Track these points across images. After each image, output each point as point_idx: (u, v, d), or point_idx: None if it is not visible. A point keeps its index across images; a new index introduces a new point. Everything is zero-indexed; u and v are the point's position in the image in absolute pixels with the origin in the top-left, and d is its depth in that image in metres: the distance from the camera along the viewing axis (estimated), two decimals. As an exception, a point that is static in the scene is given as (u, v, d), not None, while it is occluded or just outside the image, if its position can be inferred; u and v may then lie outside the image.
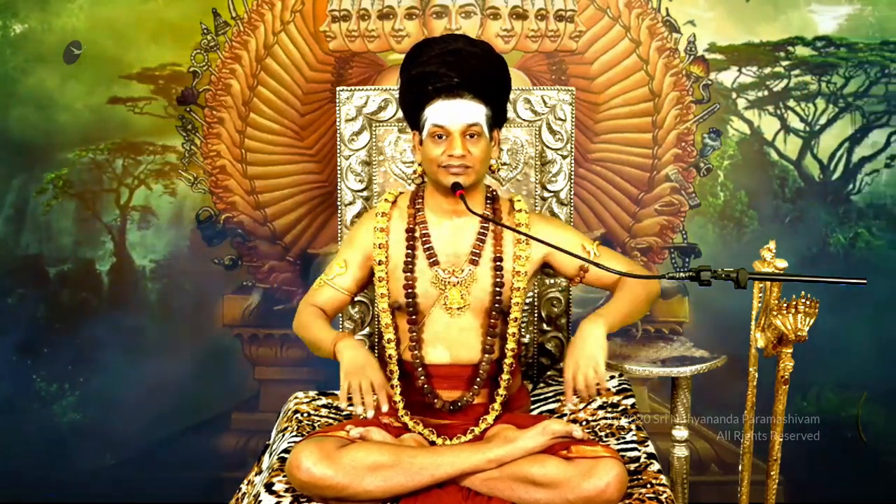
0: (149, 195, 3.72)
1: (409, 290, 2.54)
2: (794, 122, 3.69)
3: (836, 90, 3.67)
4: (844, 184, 3.70)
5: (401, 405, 2.56)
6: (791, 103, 3.68)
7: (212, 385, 3.77)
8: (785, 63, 3.65)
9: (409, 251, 2.54)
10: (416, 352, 2.55)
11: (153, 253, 3.74)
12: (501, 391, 2.55)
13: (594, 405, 2.72)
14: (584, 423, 2.66)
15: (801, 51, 3.64)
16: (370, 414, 2.32)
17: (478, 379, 2.55)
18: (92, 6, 3.64)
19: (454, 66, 2.40)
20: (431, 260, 2.54)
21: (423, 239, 2.55)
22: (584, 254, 2.53)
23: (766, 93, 3.68)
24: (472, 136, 2.43)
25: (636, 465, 2.48)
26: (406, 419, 2.55)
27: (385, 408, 2.33)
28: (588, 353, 2.32)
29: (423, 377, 2.55)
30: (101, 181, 3.71)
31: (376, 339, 3.03)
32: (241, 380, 3.79)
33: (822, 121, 3.68)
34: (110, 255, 3.74)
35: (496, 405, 2.54)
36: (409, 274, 2.54)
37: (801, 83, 3.67)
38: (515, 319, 2.55)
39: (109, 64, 3.63)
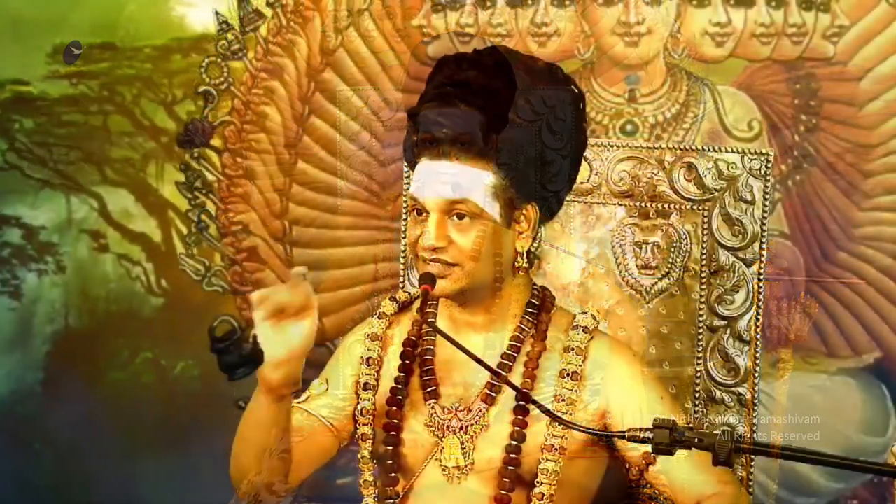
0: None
1: (392, 435, 2.19)
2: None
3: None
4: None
5: None
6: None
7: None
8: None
9: (401, 374, 2.21)
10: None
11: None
12: None
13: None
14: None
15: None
16: None
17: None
18: None
19: (447, 112, 2.01)
20: (429, 390, 2.16)
21: (424, 358, 2.21)
22: None
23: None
24: (460, 216, 2.06)
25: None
26: None
27: None
28: None
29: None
30: None
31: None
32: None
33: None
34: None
35: None
36: (393, 408, 2.19)
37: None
38: (543, 496, 2.14)
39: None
